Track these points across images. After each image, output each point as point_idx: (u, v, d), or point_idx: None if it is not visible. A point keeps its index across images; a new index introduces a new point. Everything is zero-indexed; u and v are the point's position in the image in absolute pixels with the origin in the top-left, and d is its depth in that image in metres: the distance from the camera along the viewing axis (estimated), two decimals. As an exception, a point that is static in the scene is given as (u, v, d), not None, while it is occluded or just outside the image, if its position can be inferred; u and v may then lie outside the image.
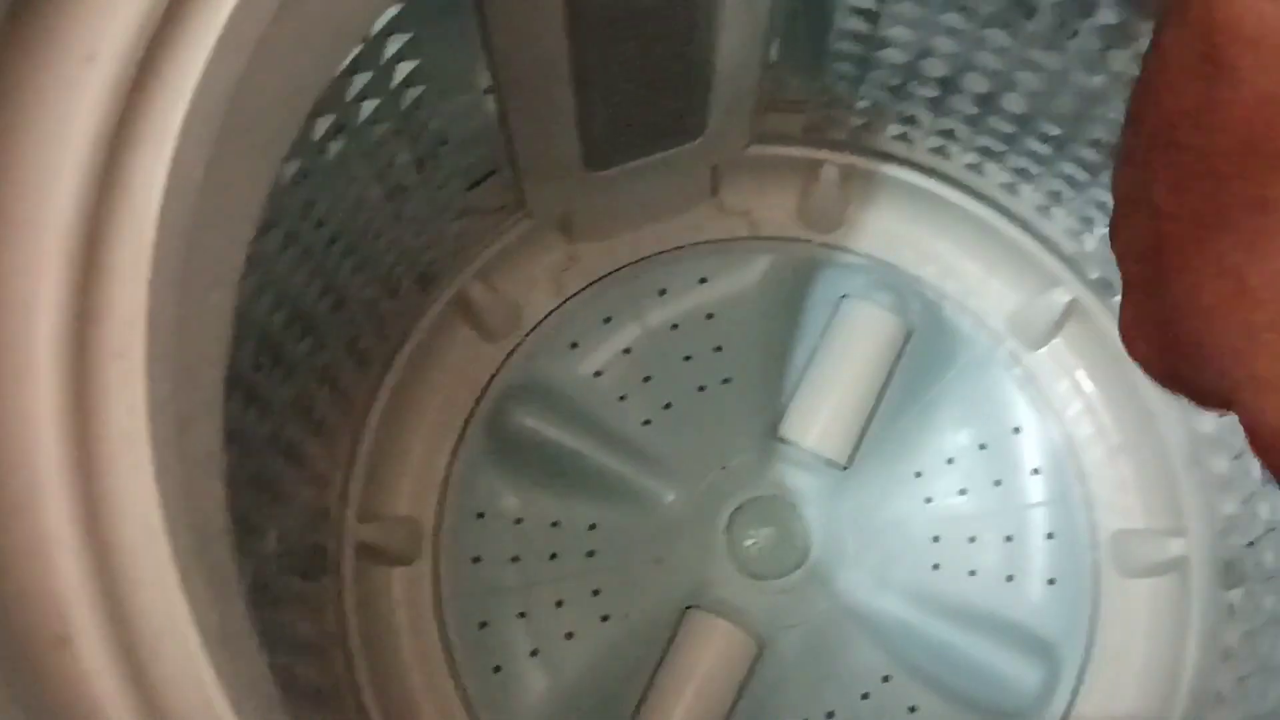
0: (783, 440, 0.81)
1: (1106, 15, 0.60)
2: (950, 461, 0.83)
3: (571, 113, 0.68)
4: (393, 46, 0.56)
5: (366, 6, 0.44)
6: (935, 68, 0.71)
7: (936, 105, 0.75)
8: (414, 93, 0.61)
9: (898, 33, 0.70)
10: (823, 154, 0.84)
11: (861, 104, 0.78)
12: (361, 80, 0.55)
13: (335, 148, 0.57)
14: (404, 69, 0.58)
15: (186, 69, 0.34)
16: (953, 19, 0.66)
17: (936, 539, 0.81)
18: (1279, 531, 0.69)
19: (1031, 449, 0.83)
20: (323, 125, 0.54)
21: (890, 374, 0.82)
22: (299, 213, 0.59)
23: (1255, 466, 0.71)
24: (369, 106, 0.57)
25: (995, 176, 0.79)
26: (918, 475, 0.82)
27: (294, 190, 0.57)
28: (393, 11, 0.53)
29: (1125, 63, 0.61)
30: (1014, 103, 0.71)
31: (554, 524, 0.82)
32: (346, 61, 0.52)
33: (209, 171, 0.36)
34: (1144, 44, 0.40)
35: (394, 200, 0.70)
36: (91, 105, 0.33)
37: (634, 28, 0.62)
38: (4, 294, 0.32)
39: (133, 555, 0.31)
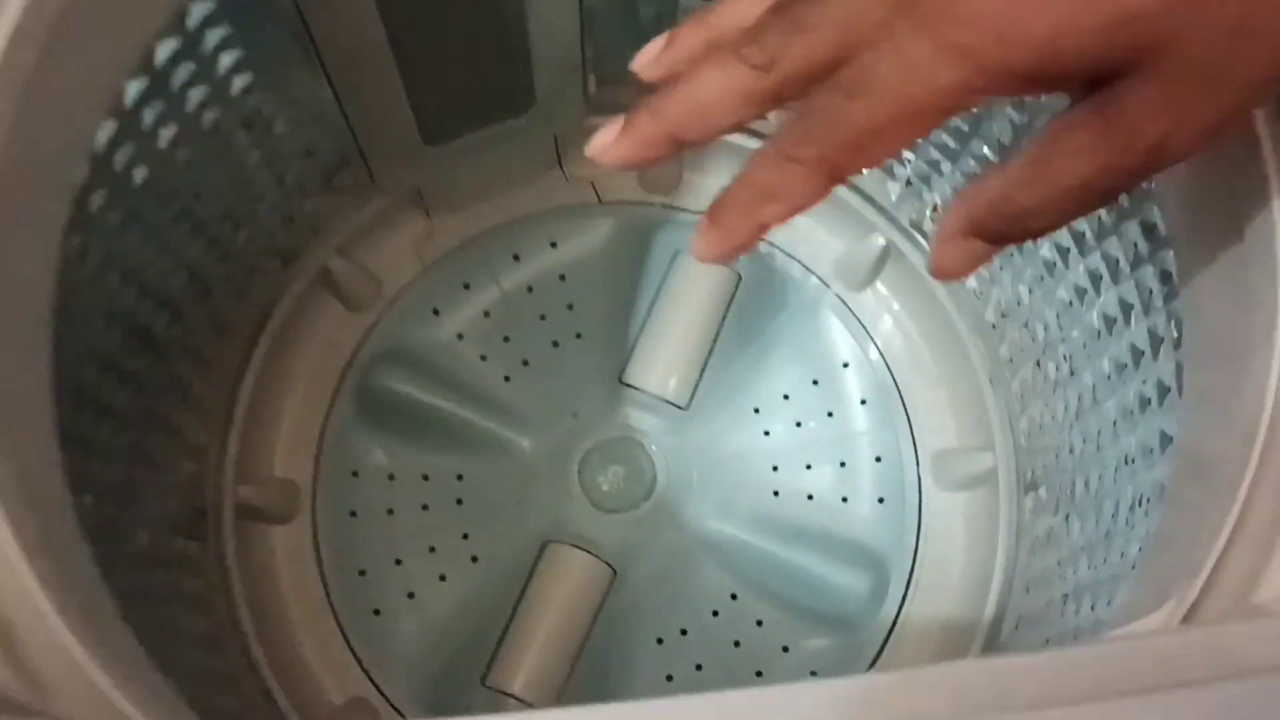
0: (627, 385, 0.87)
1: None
2: (786, 397, 0.90)
3: (400, 91, 0.74)
4: (212, 38, 0.61)
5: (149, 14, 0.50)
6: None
7: (745, 70, 0.82)
8: (242, 81, 0.66)
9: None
10: (655, 121, 0.90)
11: (680, 72, 0.85)
12: (186, 70, 0.61)
13: (168, 135, 0.63)
14: (227, 59, 0.64)
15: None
16: None
17: (776, 468, 0.88)
18: (1058, 441, 0.77)
19: (859, 381, 0.90)
20: (151, 114, 0.60)
21: (723, 319, 0.89)
22: (154, 210, 0.65)
23: (1039, 389, 0.78)
24: (197, 94, 0.63)
25: (807, 133, 0.86)
26: (756, 411, 0.90)
27: (146, 189, 0.63)
28: (208, 7, 0.60)
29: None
30: (808, 64, 0.78)
31: (424, 477, 0.88)
32: (165, 55, 0.58)
33: (7, 141, 0.42)
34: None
35: (247, 192, 0.76)
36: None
37: (445, 7, 0.68)
38: None
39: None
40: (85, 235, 0.58)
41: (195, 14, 0.59)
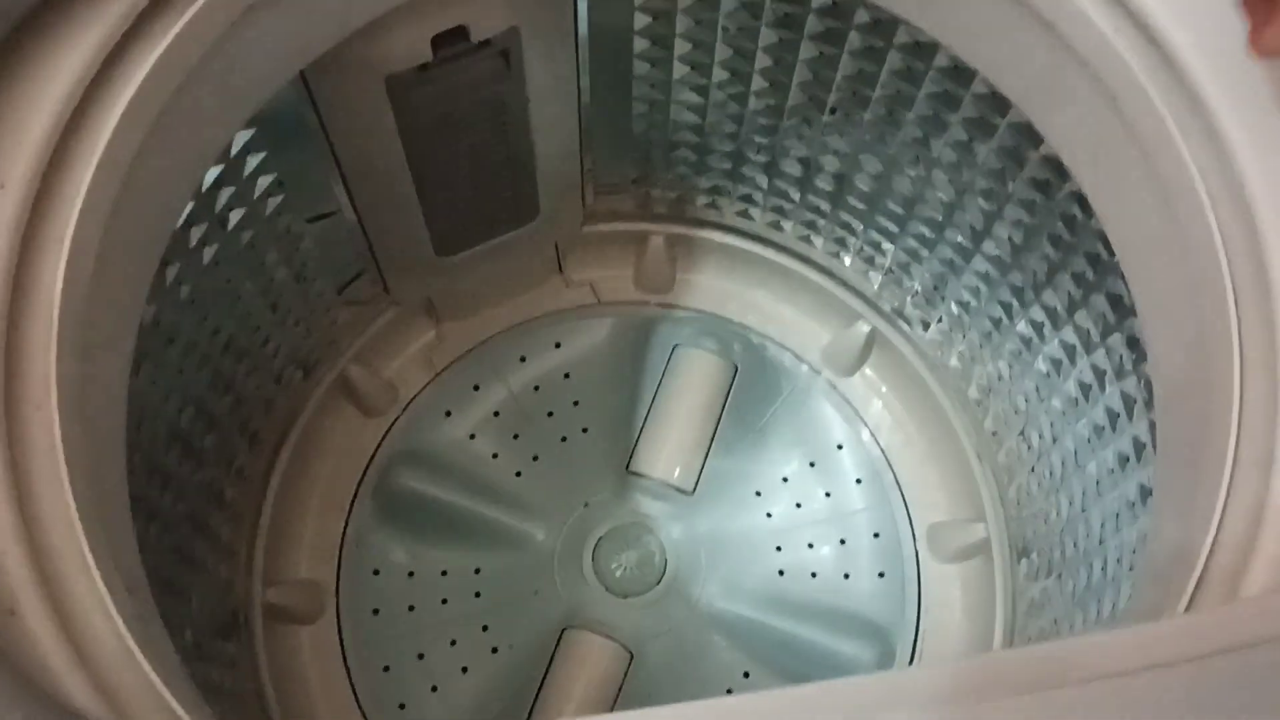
0: (634, 473, 0.92)
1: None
2: (785, 480, 0.95)
3: (417, 209, 0.80)
4: (252, 163, 0.67)
5: (219, 134, 0.56)
6: (721, 160, 0.86)
7: (733, 177, 0.89)
8: (275, 202, 0.72)
9: (685, 136, 0.84)
10: (649, 226, 0.97)
11: (672, 180, 0.91)
12: (227, 193, 0.67)
13: (210, 253, 0.68)
14: (264, 182, 0.70)
15: (74, 189, 0.45)
16: (726, 118, 0.80)
17: (779, 548, 0.93)
18: (1046, 507, 0.81)
19: (853, 462, 0.95)
20: (197, 234, 0.66)
21: (723, 407, 0.94)
22: (195, 323, 0.70)
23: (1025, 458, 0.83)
24: (236, 215, 0.69)
25: (792, 231, 0.93)
26: (758, 494, 0.94)
27: (189, 306, 0.68)
28: (247, 135, 0.65)
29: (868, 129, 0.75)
30: (792, 167, 0.85)
31: (443, 573, 0.92)
32: (209, 180, 0.64)
33: (98, 264, 0.47)
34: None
35: (275, 305, 0.81)
36: (3, 221, 0.44)
37: (457, 133, 0.74)
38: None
39: (58, 553, 0.42)
40: (139, 348, 0.63)
41: (238, 141, 0.65)
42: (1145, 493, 0.64)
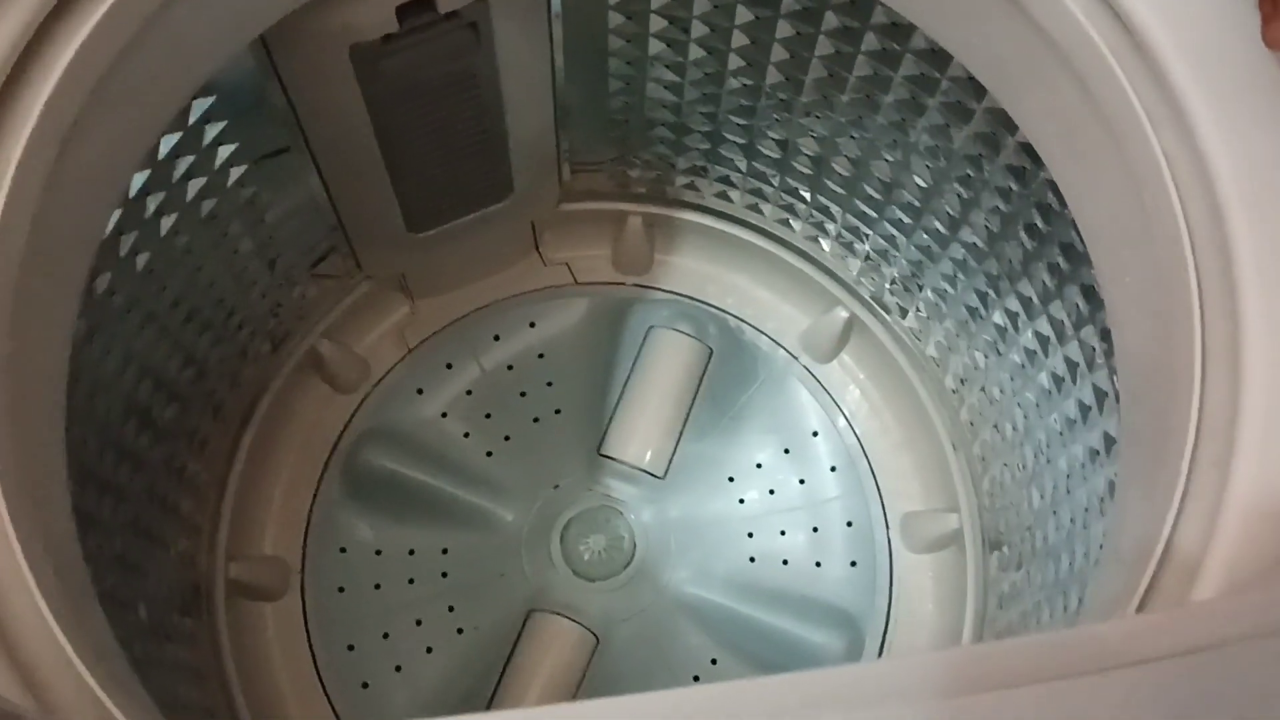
0: (605, 457, 0.91)
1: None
2: (759, 466, 0.93)
3: (387, 184, 0.79)
4: (211, 132, 0.66)
5: (168, 101, 0.54)
6: (700, 140, 0.84)
7: (711, 157, 0.88)
8: (238, 172, 0.71)
9: (662, 115, 0.82)
10: (627, 206, 0.95)
11: (650, 159, 0.90)
12: (185, 163, 0.65)
13: (168, 223, 0.67)
14: (224, 152, 0.68)
15: (7, 155, 0.44)
16: (701, 97, 0.79)
17: (751, 534, 0.92)
18: (1019, 499, 0.80)
19: (828, 449, 0.94)
20: (153, 203, 0.64)
21: (696, 391, 0.93)
22: (154, 294, 0.69)
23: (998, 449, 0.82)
24: (196, 185, 0.67)
25: (771, 213, 0.92)
26: (730, 480, 0.93)
27: (146, 276, 0.67)
28: (206, 103, 0.64)
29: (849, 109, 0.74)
30: (770, 148, 0.84)
31: (410, 552, 0.91)
32: (166, 148, 0.62)
33: (34, 227, 0.45)
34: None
35: (239, 278, 0.80)
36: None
37: (426, 106, 0.73)
38: None
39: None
40: (91, 319, 0.62)
41: (197, 110, 0.64)
42: (1113, 488, 0.63)
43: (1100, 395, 0.66)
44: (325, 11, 0.61)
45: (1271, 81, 0.47)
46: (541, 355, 0.96)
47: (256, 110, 0.69)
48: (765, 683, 0.30)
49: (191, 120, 0.64)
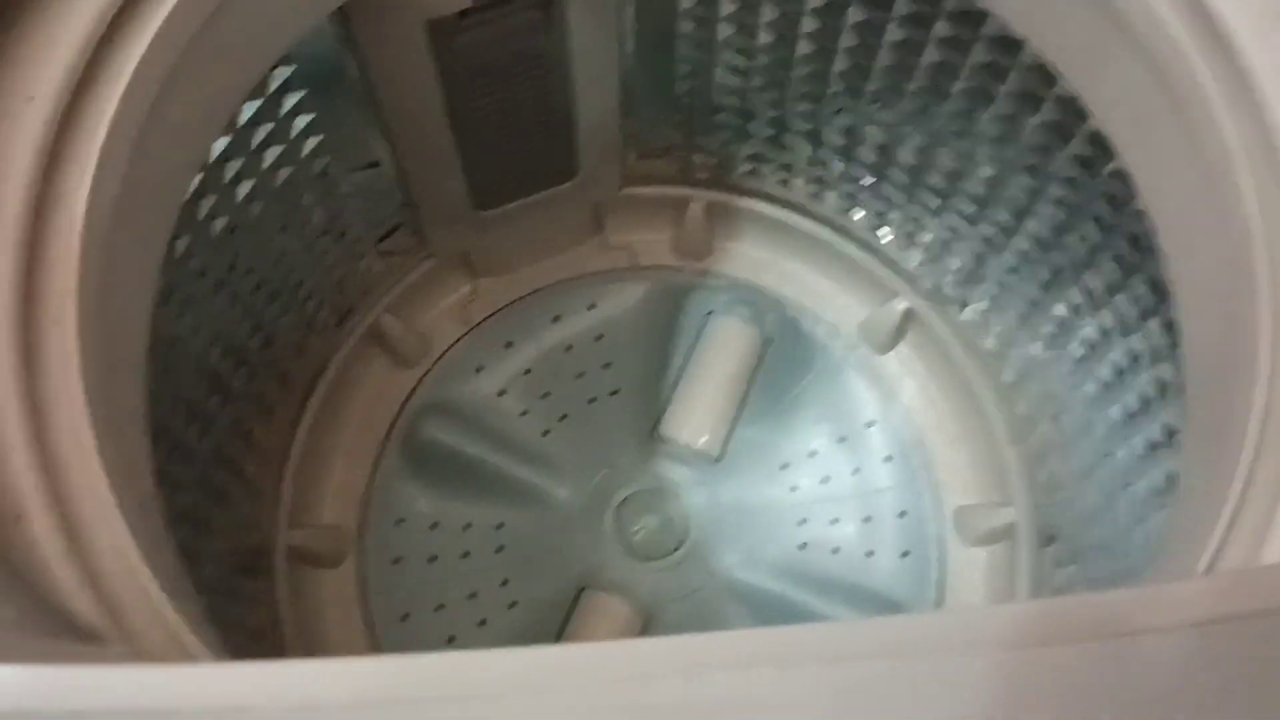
0: (661, 438, 0.92)
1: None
2: (813, 454, 0.94)
3: (456, 159, 0.80)
4: (289, 102, 0.68)
5: (252, 67, 0.56)
6: (764, 127, 0.85)
7: (775, 144, 0.88)
8: (313, 143, 0.72)
9: (728, 100, 0.83)
10: (688, 191, 0.96)
11: (713, 146, 0.91)
12: (264, 130, 0.67)
13: (244, 190, 0.68)
14: (301, 122, 0.70)
15: (103, 109, 0.46)
16: (768, 84, 0.80)
17: (803, 521, 0.92)
18: (1075, 494, 0.80)
19: (883, 440, 0.94)
20: (231, 169, 0.66)
21: (752, 376, 0.93)
22: (227, 261, 0.71)
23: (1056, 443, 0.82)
24: (272, 154, 0.69)
25: (833, 202, 0.92)
26: (784, 466, 0.93)
27: (222, 241, 0.69)
28: (286, 72, 0.66)
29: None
30: (835, 136, 0.84)
31: (466, 526, 0.92)
32: (246, 115, 0.64)
33: (124, 187, 0.47)
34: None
35: (310, 248, 0.82)
36: (30, 135, 0.44)
37: (497, 84, 0.74)
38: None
39: (69, 464, 0.42)
40: (168, 280, 0.64)
41: (277, 78, 0.65)
42: (1172, 481, 0.63)
43: (1162, 387, 0.66)
44: (404, -15, 0.62)
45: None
46: (600, 337, 0.97)
47: (334, 82, 0.70)
48: (829, 629, 0.31)
49: (271, 89, 0.65)
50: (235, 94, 0.56)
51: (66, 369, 0.43)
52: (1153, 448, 0.67)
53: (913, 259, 0.91)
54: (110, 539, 0.41)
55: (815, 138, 0.85)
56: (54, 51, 0.45)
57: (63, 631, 0.38)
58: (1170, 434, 0.65)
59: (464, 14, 0.66)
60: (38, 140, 0.44)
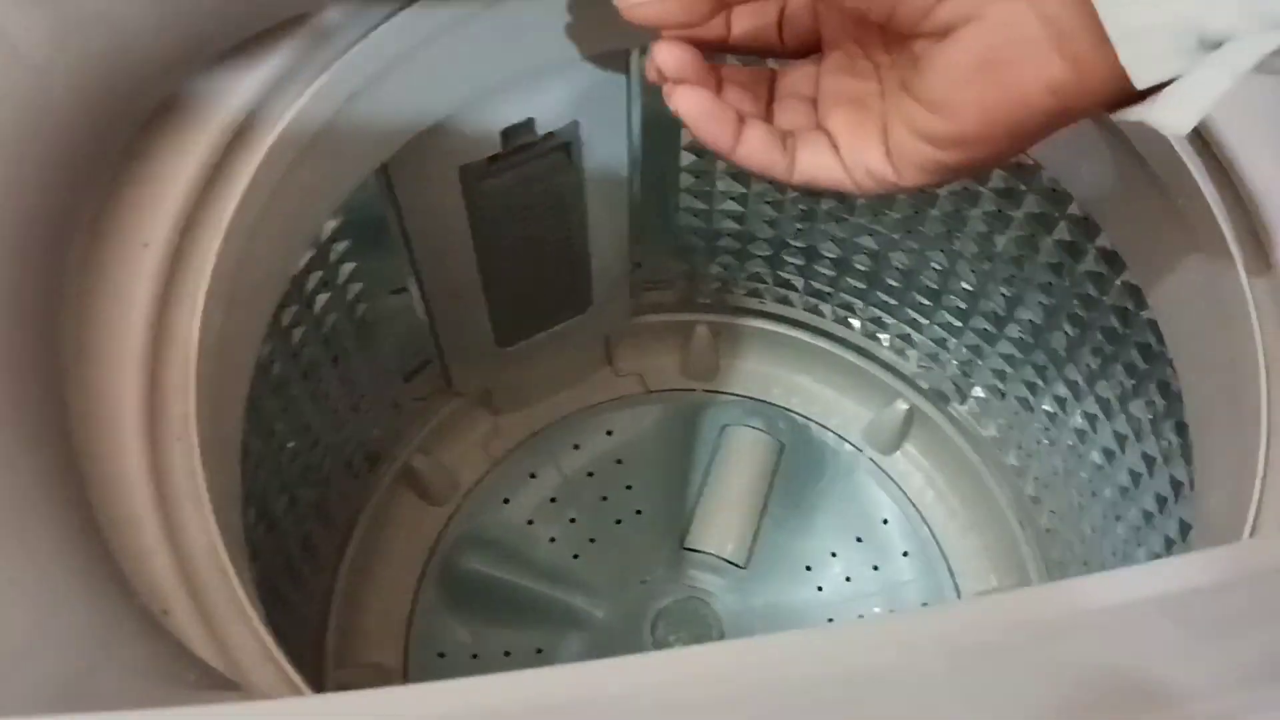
0: (689, 549, 0.96)
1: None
2: (834, 554, 0.98)
3: (482, 299, 0.86)
4: (337, 250, 0.73)
5: (319, 213, 0.62)
6: (761, 248, 0.92)
7: (772, 264, 0.95)
8: (355, 289, 0.78)
9: (728, 226, 0.90)
10: (693, 316, 1.02)
11: (715, 271, 0.97)
12: (315, 278, 0.72)
13: (298, 335, 0.73)
14: (346, 269, 0.75)
15: (206, 251, 0.51)
16: (765, 209, 0.87)
17: (831, 620, 0.95)
18: (1087, 567, 0.84)
19: (899, 535, 0.98)
20: (288, 316, 0.71)
21: (771, 482, 0.98)
22: (282, 407, 0.76)
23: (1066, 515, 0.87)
24: (322, 299, 0.74)
25: (830, 315, 0.98)
26: (808, 568, 0.97)
27: (280, 389, 0.73)
28: (335, 223, 0.72)
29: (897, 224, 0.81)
30: (829, 252, 0.91)
31: (506, 653, 0.95)
32: (301, 263, 0.70)
33: (224, 321, 0.52)
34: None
35: (350, 395, 0.87)
36: (148, 276, 0.49)
37: (521, 223, 0.80)
38: (101, 406, 0.47)
39: (199, 560, 0.46)
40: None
41: (327, 228, 0.71)
42: (1169, 546, 0.68)
43: (1150, 461, 0.71)
44: (440, 136, 0.69)
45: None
46: (619, 461, 1.02)
47: (373, 230, 0.76)
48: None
49: (323, 238, 0.71)
50: (304, 240, 0.62)
51: (191, 480, 0.48)
52: (1148, 516, 0.72)
53: (910, 361, 0.97)
54: (240, 631, 0.45)
55: (810, 256, 0.92)
56: (163, 203, 0.50)
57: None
58: (1161, 501, 0.70)
59: (493, 159, 0.73)
60: (154, 282, 0.49)
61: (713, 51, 0.51)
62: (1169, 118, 0.38)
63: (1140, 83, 0.39)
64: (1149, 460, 0.72)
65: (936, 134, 0.44)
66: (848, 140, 0.48)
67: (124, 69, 0.47)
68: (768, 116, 0.51)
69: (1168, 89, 0.39)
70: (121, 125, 0.49)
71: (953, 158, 0.44)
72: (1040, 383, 0.84)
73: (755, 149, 0.50)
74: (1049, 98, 0.40)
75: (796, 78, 0.52)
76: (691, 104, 0.49)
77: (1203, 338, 0.56)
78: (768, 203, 0.87)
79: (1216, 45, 0.37)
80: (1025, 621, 0.33)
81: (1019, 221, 0.75)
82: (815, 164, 0.49)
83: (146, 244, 0.50)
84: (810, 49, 0.51)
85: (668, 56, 0.49)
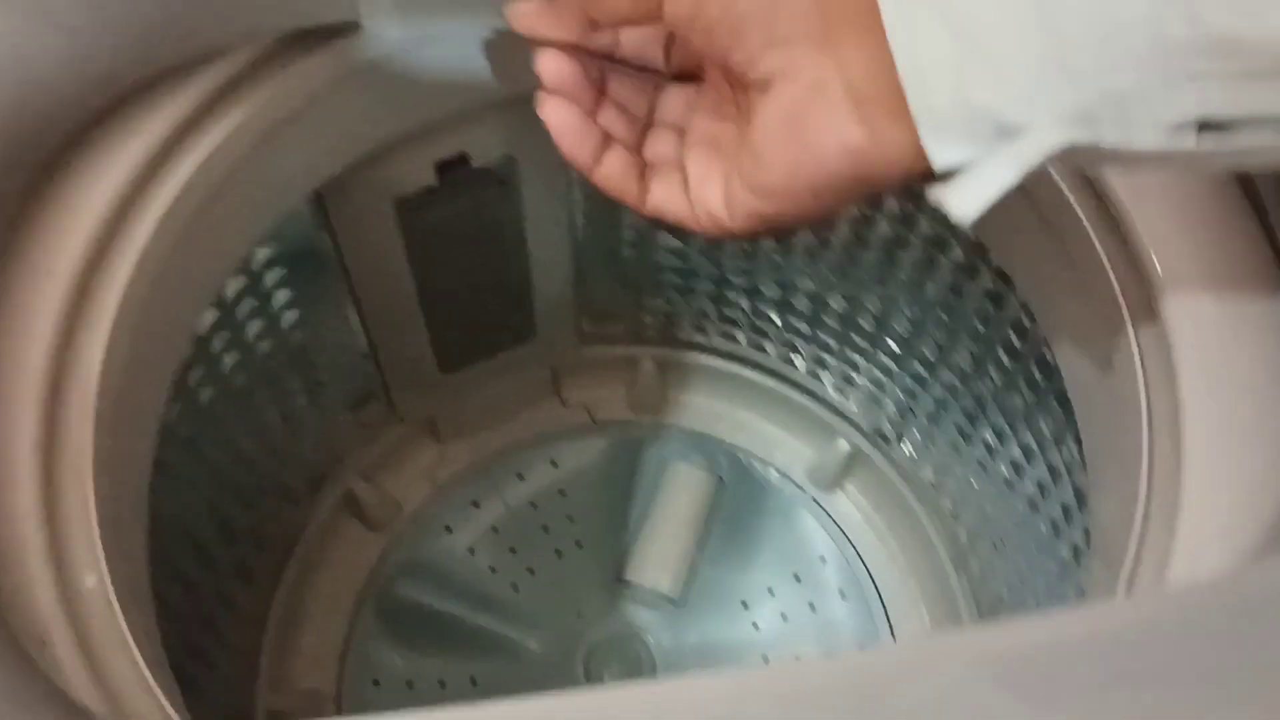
0: (624, 582, 0.96)
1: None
2: (771, 591, 0.98)
3: (421, 324, 0.86)
4: (271, 278, 0.74)
5: (242, 242, 0.62)
6: (705, 284, 0.92)
7: (717, 300, 0.95)
8: (291, 316, 0.78)
9: (670, 261, 0.91)
10: (640, 350, 1.03)
11: (661, 306, 0.98)
12: (248, 305, 0.73)
13: (230, 360, 0.74)
14: (281, 296, 0.76)
15: (115, 281, 0.52)
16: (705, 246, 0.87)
17: (765, 658, 0.96)
18: (1016, 611, 0.85)
19: (836, 575, 0.99)
20: (219, 341, 0.72)
21: (709, 520, 0.98)
22: (213, 432, 0.76)
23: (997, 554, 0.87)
24: (255, 326, 0.75)
25: (774, 352, 0.99)
26: (744, 605, 0.98)
27: (209, 412, 0.74)
28: (268, 251, 0.72)
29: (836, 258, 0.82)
30: (771, 291, 0.91)
31: (441, 683, 0.95)
32: (233, 290, 0.70)
33: (131, 353, 0.52)
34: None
35: (287, 418, 0.87)
36: (50, 306, 0.50)
37: (459, 253, 0.81)
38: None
39: (89, 594, 0.46)
40: (160, 449, 0.68)
41: (259, 256, 0.71)
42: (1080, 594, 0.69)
43: (1067, 512, 0.72)
44: (374, 167, 0.69)
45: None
46: (562, 492, 1.02)
47: (309, 260, 0.76)
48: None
49: (254, 266, 0.72)
50: (225, 270, 0.62)
51: (84, 516, 0.48)
52: (1064, 565, 0.73)
53: (851, 402, 0.98)
54: (123, 664, 0.45)
55: (753, 294, 0.93)
56: (72, 232, 0.51)
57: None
58: (1078, 552, 0.71)
59: (429, 190, 0.73)
60: (56, 311, 0.50)
61: (599, 61, 0.52)
62: (955, 204, 0.39)
63: (937, 162, 0.39)
64: (1068, 507, 0.72)
65: (756, 184, 0.45)
66: (696, 181, 0.49)
67: (33, 106, 0.48)
68: (639, 141, 0.52)
69: (960, 174, 0.39)
70: (28, 157, 0.49)
71: (768, 208, 0.45)
72: (970, 427, 0.85)
73: (612, 174, 0.51)
74: (845, 161, 0.41)
75: (675, 103, 0.52)
76: (558, 118, 0.51)
77: (1096, 385, 0.57)
78: (707, 242, 0.88)
79: (1015, 134, 0.37)
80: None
81: (946, 268, 0.75)
82: (665, 198, 0.50)
83: (51, 273, 0.50)
84: (693, 74, 0.52)
85: (547, 66, 0.50)
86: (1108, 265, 0.54)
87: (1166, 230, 0.53)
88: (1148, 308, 0.53)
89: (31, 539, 0.46)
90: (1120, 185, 0.53)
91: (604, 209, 0.88)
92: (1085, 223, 0.55)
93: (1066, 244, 0.57)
